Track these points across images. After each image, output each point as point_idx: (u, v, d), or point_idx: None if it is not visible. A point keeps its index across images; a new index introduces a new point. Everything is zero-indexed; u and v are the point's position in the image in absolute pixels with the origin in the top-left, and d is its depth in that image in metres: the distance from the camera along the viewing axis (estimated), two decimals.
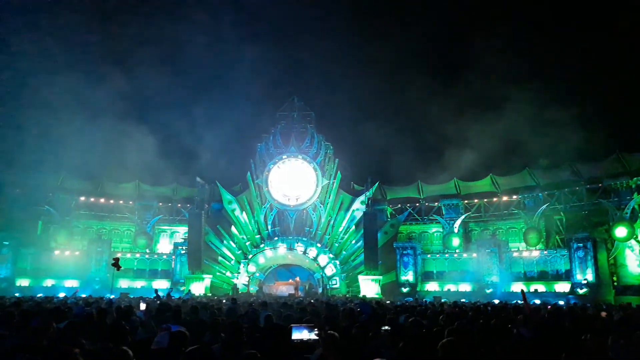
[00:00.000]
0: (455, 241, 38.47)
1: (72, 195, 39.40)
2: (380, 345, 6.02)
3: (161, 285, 35.57)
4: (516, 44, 48.68)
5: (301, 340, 4.99)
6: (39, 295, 25.12)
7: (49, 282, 35.42)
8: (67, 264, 37.09)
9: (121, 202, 41.60)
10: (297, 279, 37.70)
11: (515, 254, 35.97)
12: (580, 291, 30.86)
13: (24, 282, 35.15)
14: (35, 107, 38.12)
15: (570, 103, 36.73)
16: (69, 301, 18.64)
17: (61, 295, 26.32)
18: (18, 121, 36.41)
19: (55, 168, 38.19)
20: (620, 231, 30.76)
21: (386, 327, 6.67)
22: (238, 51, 56.08)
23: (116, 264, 10.67)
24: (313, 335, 4.98)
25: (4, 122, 36.57)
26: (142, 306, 9.98)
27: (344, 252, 38.87)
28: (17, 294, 26.42)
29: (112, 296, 25.07)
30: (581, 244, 31.78)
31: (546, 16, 47.62)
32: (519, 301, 24.79)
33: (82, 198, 40.30)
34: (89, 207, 40.88)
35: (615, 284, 31.50)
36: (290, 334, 5.08)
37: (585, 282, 31.12)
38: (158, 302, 18.24)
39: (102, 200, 41.08)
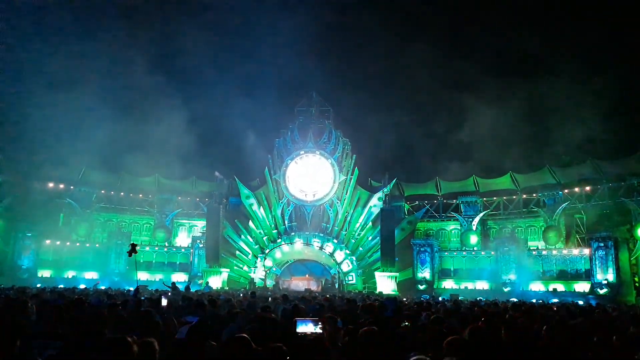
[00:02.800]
0: (473, 239, 38.17)
1: (93, 189, 40.02)
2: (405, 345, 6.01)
3: (179, 278, 35.92)
4: (538, 39, 48.04)
5: (305, 333, 5.00)
6: (60, 286, 25.59)
7: (69, 274, 36.02)
8: (87, 256, 37.74)
9: (141, 195, 42.18)
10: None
11: (534, 253, 35.58)
12: (601, 291, 30.39)
13: (45, 273, 35.76)
14: (57, 101, 38.71)
15: (593, 100, 36.08)
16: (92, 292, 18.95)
17: (82, 287, 26.75)
18: (41, 115, 37.04)
19: (77, 162, 38.82)
20: None
21: (405, 323, 6.66)
22: (257, 47, 56.29)
23: (132, 249, 10.71)
24: (318, 329, 4.98)
25: (26, 116, 37.23)
26: (164, 302, 9.92)
27: (360, 249, 38.79)
28: (39, 285, 26.96)
29: (130, 288, 25.44)
30: (602, 244, 31.26)
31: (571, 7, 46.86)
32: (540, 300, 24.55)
33: (103, 191, 40.90)
34: (109, 201, 41.47)
35: (637, 284, 30.95)
36: (295, 327, 5.10)
37: (605, 282, 30.64)
38: (174, 292, 18.48)
39: (122, 193, 41.66)
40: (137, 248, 11.61)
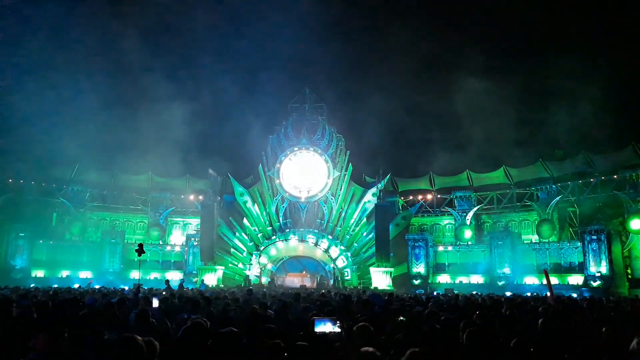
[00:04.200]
0: (468, 233, 38.30)
1: (86, 187, 39.84)
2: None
3: (174, 276, 35.89)
4: (529, 32, 48.12)
5: (323, 333, 4.95)
6: (54, 285, 25.50)
7: (64, 273, 35.88)
8: (81, 255, 37.60)
9: (134, 194, 42.02)
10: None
11: (528, 246, 35.77)
12: (594, 284, 30.65)
13: (39, 273, 35.61)
14: (49, 99, 38.48)
15: (586, 93, 36.20)
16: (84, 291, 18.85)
17: (75, 286, 26.66)
18: (32, 113, 36.81)
19: (70, 160, 38.61)
20: (636, 223, 30.44)
21: (401, 318, 6.67)
22: (249, 43, 56.09)
23: (140, 249, 10.73)
24: (336, 328, 4.95)
25: (18, 114, 36.98)
26: (155, 303, 9.71)
27: (355, 244, 38.84)
28: (32, 285, 26.82)
29: (125, 287, 25.41)
30: (595, 236, 31.51)
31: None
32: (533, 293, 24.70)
33: (96, 190, 40.73)
34: (103, 199, 41.31)
35: (630, 276, 31.27)
36: (312, 327, 5.04)
37: (598, 274, 30.89)
38: (169, 292, 18.43)
39: (115, 192, 41.50)
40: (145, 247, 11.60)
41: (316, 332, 4.91)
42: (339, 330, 4.89)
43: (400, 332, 6.23)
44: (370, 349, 3.62)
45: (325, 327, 4.94)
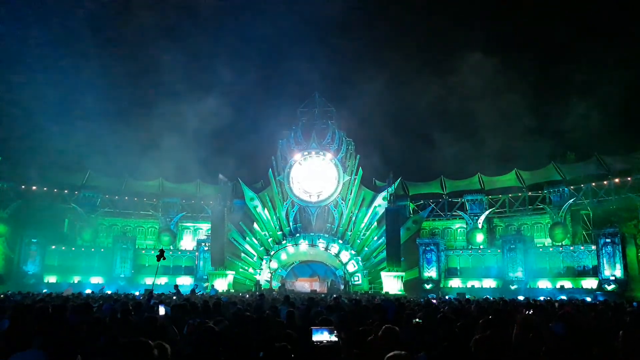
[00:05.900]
0: (479, 237, 38.00)
1: (97, 193, 40.05)
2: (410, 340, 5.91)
3: (184, 281, 35.92)
4: (541, 36, 47.87)
5: (321, 342, 4.90)
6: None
7: (76, 279, 36.05)
8: (93, 260, 37.79)
9: (145, 199, 42.20)
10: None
11: (540, 250, 35.40)
12: (608, 287, 30.23)
13: (51, 279, 35.80)
14: (60, 106, 38.87)
15: (597, 95, 35.92)
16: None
17: (87, 291, 26.76)
18: (44, 120, 37.20)
19: (81, 166, 38.90)
20: None
21: (417, 320, 6.58)
22: (259, 49, 56.33)
23: (161, 255, 10.61)
24: (333, 337, 4.89)
25: (29, 121, 37.38)
26: (162, 310, 9.57)
27: (366, 249, 38.65)
28: (45, 290, 26.98)
29: (137, 292, 25.46)
30: (609, 240, 31.11)
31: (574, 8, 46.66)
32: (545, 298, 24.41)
33: (107, 196, 40.94)
34: (114, 205, 41.51)
35: None
36: (310, 336, 5.00)
37: (613, 278, 30.46)
38: (179, 297, 18.38)
39: (126, 197, 41.70)
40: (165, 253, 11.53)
41: (314, 341, 4.85)
42: (335, 339, 4.82)
43: (418, 334, 6.14)
44: (403, 353, 3.54)
45: (323, 336, 4.88)
